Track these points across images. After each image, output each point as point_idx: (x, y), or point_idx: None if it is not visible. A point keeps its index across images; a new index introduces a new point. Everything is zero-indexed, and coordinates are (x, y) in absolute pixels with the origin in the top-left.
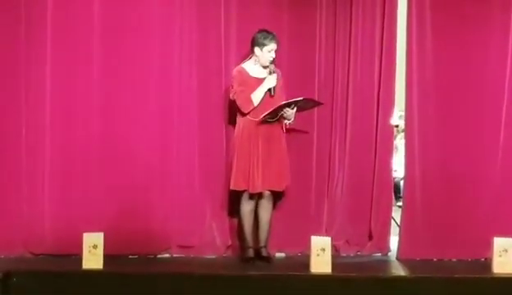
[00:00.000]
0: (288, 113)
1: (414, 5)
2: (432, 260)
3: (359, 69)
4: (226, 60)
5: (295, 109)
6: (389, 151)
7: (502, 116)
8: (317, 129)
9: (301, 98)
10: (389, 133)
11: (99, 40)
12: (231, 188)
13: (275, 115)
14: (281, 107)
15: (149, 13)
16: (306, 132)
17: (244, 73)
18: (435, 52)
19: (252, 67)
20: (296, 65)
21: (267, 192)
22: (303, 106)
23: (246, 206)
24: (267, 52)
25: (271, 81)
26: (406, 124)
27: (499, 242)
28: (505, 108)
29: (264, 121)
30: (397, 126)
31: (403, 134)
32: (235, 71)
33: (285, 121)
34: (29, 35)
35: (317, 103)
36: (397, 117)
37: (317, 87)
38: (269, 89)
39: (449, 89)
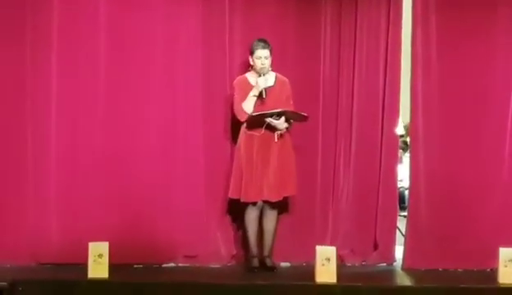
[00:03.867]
0: (274, 123)
1: (420, 16)
2: (437, 270)
3: (364, 78)
4: (230, 68)
5: (283, 119)
6: (394, 160)
7: (508, 126)
8: (321, 139)
9: (280, 110)
10: (394, 142)
11: (104, 52)
12: (229, 196)
13: (258, 124)
14: (257, 117)
15: (154, 23)
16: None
17: (243, 82)
18: (440, 63)
19: (252, 76)
20: (301, 75)
21: (270, 202)
22: (292, 117)
23: (250, 215)
24: (256, 59)
25: (259, 85)
26: (411, 134)
27: (504, 253)
28: (510, 118)
29: (252, 130)
30: (402, 136)
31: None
32: (235, 81)
33: (277, 131)
34: (34, 46)
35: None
36: (402, 127)
37: (322, 96)
38: (260, 93)
39: (454, 99)
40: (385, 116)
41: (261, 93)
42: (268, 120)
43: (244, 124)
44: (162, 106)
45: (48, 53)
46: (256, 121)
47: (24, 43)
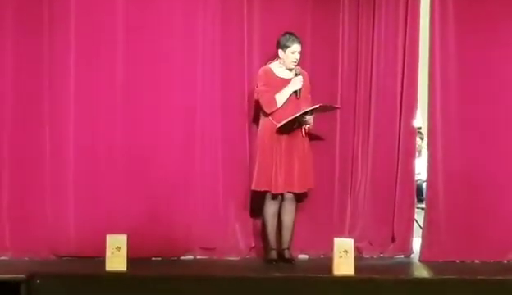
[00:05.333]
0: (307, 118)
1: (437, 6)
2: (454, 261)
3: (382, 70)
4: (248, 61)
5: (313, 114)
6: (411, 153)
7: None
8: (339, 132)
9: (317, 106)
10: (411, 135)
11: (122, 42)
12: (253, 188)
13: (294, 125)
14: (298, 118)
15: (172, 14)
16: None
17: (269, 73)
18: (458, 53)
19: (278, 68)
20: (319, 66)
21: (290, 195)
22: (320, 110)
23: (269, 208)
24: (290, 54)
25: (297, 83)
26: (429, 126)
27: None
28: None
29: (282, 129)
30: (420, 128)
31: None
32: (261, 71)
33: (305, 126)
34: (52, 36)
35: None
36: (420, 119)
37: (340, 88)
38: (295, 91)
39: (472, 91)
40: (403, 109)
41: (295, 92)
42: (306, 117)
43: (269, 117)
44: (180, 97)
45: (66, 45)
46: (294, 122)
47: (41, 35)
